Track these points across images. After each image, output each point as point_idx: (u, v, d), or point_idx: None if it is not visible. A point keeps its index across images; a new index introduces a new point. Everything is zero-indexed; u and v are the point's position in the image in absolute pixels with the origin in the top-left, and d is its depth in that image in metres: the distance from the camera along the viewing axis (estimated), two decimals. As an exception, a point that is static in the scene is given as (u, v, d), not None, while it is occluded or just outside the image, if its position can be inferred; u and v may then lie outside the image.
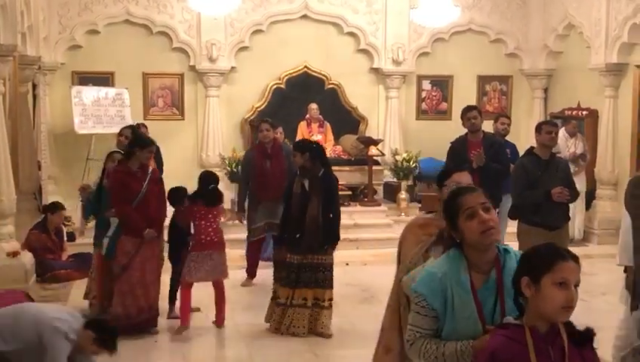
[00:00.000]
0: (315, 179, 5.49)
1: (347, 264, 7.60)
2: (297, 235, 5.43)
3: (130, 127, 6.97)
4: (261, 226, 6.76)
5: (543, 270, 2.04)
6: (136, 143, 5.69)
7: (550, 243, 2.11)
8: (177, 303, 5.98)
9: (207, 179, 5.98)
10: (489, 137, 6.80)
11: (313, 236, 5.41)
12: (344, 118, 10.70)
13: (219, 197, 5.90)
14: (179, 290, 5.95)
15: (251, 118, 10.32)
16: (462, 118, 6.79)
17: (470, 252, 2.25)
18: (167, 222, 5.90)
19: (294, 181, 5.56)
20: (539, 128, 5.70)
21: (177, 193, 6.10)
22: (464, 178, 2.95)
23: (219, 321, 5.95)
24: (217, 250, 5.75)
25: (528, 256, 2.09)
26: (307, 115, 10.27)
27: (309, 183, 5.48)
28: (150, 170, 5.62)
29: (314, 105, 10.25)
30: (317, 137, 9.66)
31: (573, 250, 2.17)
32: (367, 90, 10.97)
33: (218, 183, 5.99)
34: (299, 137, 9.68)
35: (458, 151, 6.56)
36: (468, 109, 6.81)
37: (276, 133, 7.26)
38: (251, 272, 7.14)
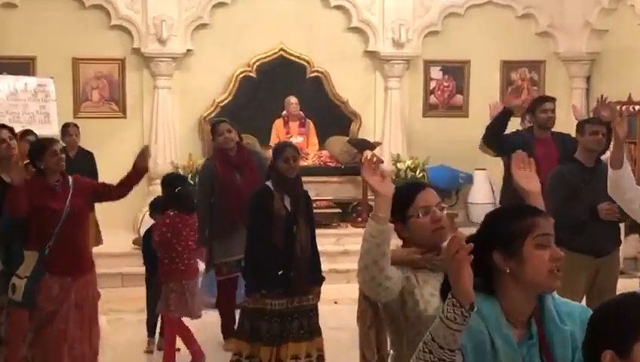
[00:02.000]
0: (301, 195, 5.52)
1: (335, 302, 7.59)
2: (280, 272, 5.35)
3: (27, 132, 6.87)
4: (235, 261, 6.55)
5: (633, 336, 1.84)
6: (35, 149, 5.46)
7: (635, 294, 1.93)
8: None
9: (173, 182, 6.10)
10: (559, 134, 6.89)
11: (305, 272, 5.40)
12: (331, 115, 10.68)
13: (192, 201, 6.10)
14: (160, 321, 6.29)
15: (212, 115, 10.29)
16: (531, 110, 6.91)
17: (512, 296, 2.26)
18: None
19: (263, 197, 5.43)
20: (581, 128, 5.77)
21: (156, 200, 6.25)
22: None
23: (197, 357, 6.15)
24: (196, 275, 5.97)
25: (606, 316, 1.91)
26: (284, 112, 10.28)
27: (293, 201, 5.44)
28: (71, 180, 5.40)
29: (293, 99, 10.24)
30: (297, 139, 9.68)
31: (623, 283, 2.03)
32: (360, 80, 10.96)
33: (185, 184, 6.18)
34: (274, 139, 9.76)
35: (519, 148, 6.41)
36: (544, 99, 6.95)
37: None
38: (229, 328, 6.76)
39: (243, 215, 5.92)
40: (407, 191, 2.92)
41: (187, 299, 6.02)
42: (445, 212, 2.79)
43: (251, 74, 10.58)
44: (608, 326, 1.89)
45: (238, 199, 6.34)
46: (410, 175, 10.12)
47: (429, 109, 11.36)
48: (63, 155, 5.36)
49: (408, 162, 10.28)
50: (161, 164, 10.14)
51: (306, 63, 10.72)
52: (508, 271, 2.21)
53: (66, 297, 5.33)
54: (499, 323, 2.22)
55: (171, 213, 5.97)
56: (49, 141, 5.52)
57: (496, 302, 2.25)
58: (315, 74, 10.73)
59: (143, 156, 5.43)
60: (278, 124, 10.27)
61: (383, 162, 2.76)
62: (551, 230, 2.25)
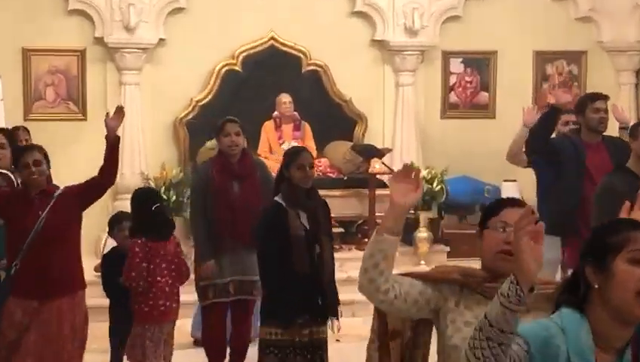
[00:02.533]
0: (320, 208, 5.68)
1: (338, 340, 7.18)
2: (318, 299, 5.56)
3: (3, 130, 7.07)
4: (224, 284, 6.63)
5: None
6: (14, 157, 5.82)
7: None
8: None
9: (146, 198, 6.18)
10: (609, 138, 7.05)
11: (333, 298, 5.62)
12: (332, 117, 10.67)
13: (170, 223, 6.17)
14: None
15: (189, 117, 10.31)
16: (579, 110, 6.93)
17: (601, 317, 2.36)
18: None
19: (276, 216, 5.52)
20: (634, 132, 5.81)
21: (116, 216, 6.56)
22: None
23: None
24: (176, 317, 6.08)
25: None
26: (275, 112, 10.20)
27: (310, 216, 5.57)
28: (58, 193, 5.53)
29: (286, 97, 10.15)
30: (290, 145, 9.49)
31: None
32: (366, 75, 10.91)
33: (162, 202, 6.32)
34: (263, 145, 9.88)
35: (571, 155, 6.76)
36: (595, 97, 6.96)
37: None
38: None
39: (235, 232, 6.36)
40: (497, 203, 3.12)
41: (163, 346, 6.07)
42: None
43: (236, 68, 10.51)
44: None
45: (231, 213, 6.50)
46: (425, 188, 9.80)
47: (449, 109, 11.24)
48: (43, 167, 5.51)
49: (424, 172, 9.95)
50: (129, 175, 9.96)
51: (301, 55, 10.66)
52: (596, 286, 2.33)
53: (31, 324, 5.37)
54: (581, 343, 2.33)
55: (140, 241, 5.98)
56: (22, 150, 5.71)
57: (586, 321, 2.36)
58: (313, 68, 10.69)
59: (117, 116, 5.63)
60: (269, 127, 10.18)
61: (415, 171, 3.09)
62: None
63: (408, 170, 2.92)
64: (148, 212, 6.03)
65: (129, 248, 5.98)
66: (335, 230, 8.89)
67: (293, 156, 5.58)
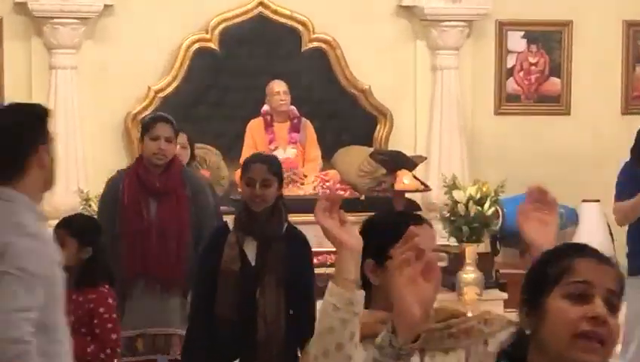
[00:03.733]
0: (275, 240, 5.58)
1: None
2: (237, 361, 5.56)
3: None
4: (129, 339, 6.46)
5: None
6: None
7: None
8: None
9: (83, 231, 6.00)
10: None
11: (271, 359, 5.55)
12: (344, 113, 10.17)
13: (97, 266, 5.90)
14: None
15: (147, 113, 9.43)
16: None
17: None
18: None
19: (213, 244, 5.63)
20: None
21: None
22: None
23: None
24: None
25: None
26: (265, 106, 9.59)
27: (261, 249, 5.54)
28: None
29: (279, 86, 9.56)
30: (285, 153, 9.41)
31: None
32: (391, 54, 10.30)
33: (100, 234, 6.02)
34: (247, 153, 8.97)
35: None
36: None
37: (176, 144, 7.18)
38: None
39: (147, 267, 6.36)
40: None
41: None
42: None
43: (211, 45, 9.97)
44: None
45: (143, 241, 6.50)
46: (473, 210, 8.92)
47: (506, 102, 10.64)
48: None
49: (471, 190, 8.96)
50: (62, 193, 9.04)
51: (300, 27, 10.11)
52: (528, 331, 2.41)
53: None
54: None
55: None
56: None
57: None
58: (316, 45, 10.12)
59: None
60: (255, 126, 9.55)
61: (343, 197, 3.29)
62: (599, 279, 2.35)
63: (330, 197, 2.79)
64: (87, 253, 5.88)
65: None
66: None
67: (243, 167, 5.64)
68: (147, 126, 6.67)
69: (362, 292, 2.70)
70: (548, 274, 2.32)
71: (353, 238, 2.71)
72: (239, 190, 6.76)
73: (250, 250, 5.53)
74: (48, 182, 3.92)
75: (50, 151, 3.88)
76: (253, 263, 5.51)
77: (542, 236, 2.84)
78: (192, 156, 7.68)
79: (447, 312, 2.97)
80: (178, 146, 7.08)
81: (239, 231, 5.57)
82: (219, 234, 5.68)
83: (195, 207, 6.45)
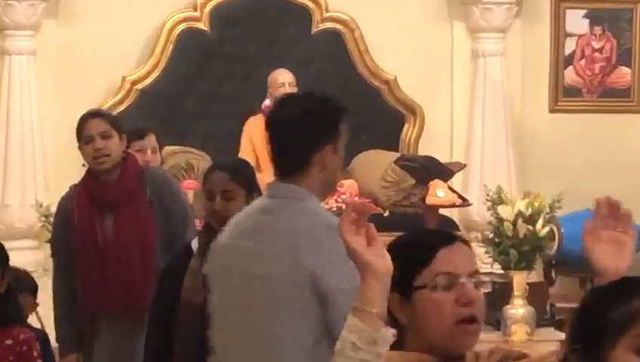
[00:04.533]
0: None
1: None
2: None
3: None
4: None
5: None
6: None
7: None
8: None
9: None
10: None
11: None
12: (364, 109, 9.51)
13: (11, 301, 5.89)
14: None
15: (121, 108, 9.51)
16: None
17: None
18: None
19: (173, 268, 5.50)
20: None
21: None
22: None
23: None
24: None
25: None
26: (267, 100, 9.29)
27: None
28: None
29: (285, 75, 9.37)
30: None
31: None
32: (422, 37, 10.14)
33: (7, 263, 5.87)
34: (244, 156, 8.89)
35: None
36: None
37: (143, 148, 7.19)
38: None
39: (107, 301, 6.38)
40: (422, 244, 3.00)
41: None
42: (482, 291, 2.94)
43: (200, 25, 9.82)
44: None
45: (100, 269, 6.40)
46: (523, 230, 8.39)
47: (564, 96, 10.41)
48: None
49: (520, 204, 8.43)
50: (16, 208, 9.40)
51: (310, 4, 9.97)
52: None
53: None
54: None
55: None
56: None
57: None
58: (330, 26, 9.98)
59: None
60: (255, 125, 9.22)
61: (373, 211, 2.58)
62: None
63: (359, 209, 2.56)
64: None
65: None
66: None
67: (204, 176, 5.60)
68: (77, 131, 6.42)
69: (391, 331, 2.63)
70: (609, 319, 2.25)
71: (382, 260, 2.60)
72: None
73: None
74: (331, 187, 4.18)
75: (338, 151, 4.04)
76: None
77: (616, 260, 2.71)
78: (160, 160, 7.49)
79: (503, 353, 2.81)
80: (149, 151, 6.87)
81: (203, 256, 5.14)
82: (180, 256, 5.47)
83: (163, 213, 6.14)
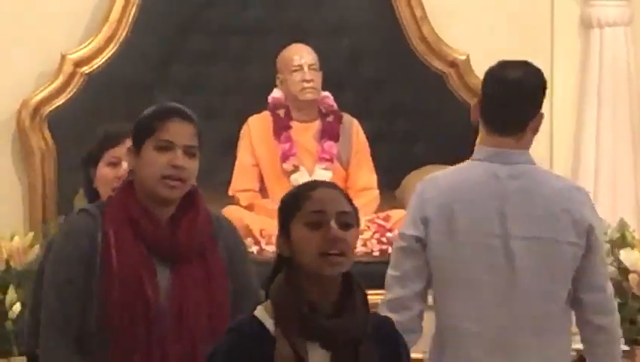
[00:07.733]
0: (370, 344, 4.23)
1: None
2: None
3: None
4: None
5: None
6: None
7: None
8: None
9: None
10: None
11: None
12: (422, 104, 8.72)
13: None
14: None
15: (54, 107, 8.45)
16: None
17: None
18: None
19: (244, 344, 4.32)
20: None
21: None
22: None
23: None
24: None
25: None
26: (275, 92, 8.11)
27: (334, 358, 4.32)
28: None
29: (302, 53, 8.15)
30: (312, 177, 8.04)
31: None
32: (507, 5, 9.06)
33: None
34: (241, 173, 8.25)
35: None
36: None
37: (117, 159, 5.68)
38: None
39: None
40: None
41: None
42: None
43: None
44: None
45: (145, 340, 5.07)
46: None
47: None
48: None
49: None
50: None
51: None
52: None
53: None
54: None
55: None
56: None
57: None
58: None
59: None
60: (258, 128, 8.10)
61: None
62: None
63: None
64: None
65: None
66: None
67: (296, 197, 4.22)
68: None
69: None
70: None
71: None
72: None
73: (316, 359, 4.11)
74: None
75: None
76: None
77: None
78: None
79: None
80: (124, 165, 5.23)
81: (296, 333, 4.05)
82: (248, 336, 4.01)
83: (233, 279, 4.70)
